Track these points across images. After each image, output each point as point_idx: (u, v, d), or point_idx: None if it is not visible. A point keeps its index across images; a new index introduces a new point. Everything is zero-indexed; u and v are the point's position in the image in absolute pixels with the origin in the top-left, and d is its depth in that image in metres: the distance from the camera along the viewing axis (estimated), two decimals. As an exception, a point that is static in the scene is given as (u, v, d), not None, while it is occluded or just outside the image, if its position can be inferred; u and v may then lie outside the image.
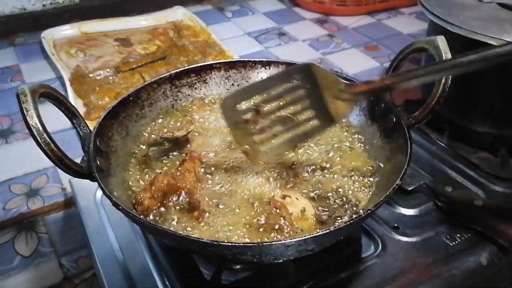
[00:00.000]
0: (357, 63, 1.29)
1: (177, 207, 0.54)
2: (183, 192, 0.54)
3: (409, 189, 0.71)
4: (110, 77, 1.13)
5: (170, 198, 0.54)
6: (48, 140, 0.47)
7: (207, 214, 0.53)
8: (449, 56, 0.56)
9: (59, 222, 0.82)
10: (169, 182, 0.53)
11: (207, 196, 0.57)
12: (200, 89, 0.75)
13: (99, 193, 0.72)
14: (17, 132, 1.02)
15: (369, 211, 0.48)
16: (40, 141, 0.47)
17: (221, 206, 0.55)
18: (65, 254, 0.76)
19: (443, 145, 0.81)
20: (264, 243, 0.45)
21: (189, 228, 0.52)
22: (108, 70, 1.16)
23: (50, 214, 0.83)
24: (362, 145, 0.66)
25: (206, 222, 0.53)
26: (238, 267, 0.59)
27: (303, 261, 0.54)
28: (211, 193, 0.57)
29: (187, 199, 0.54)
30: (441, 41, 0.58)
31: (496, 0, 0.80)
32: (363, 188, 0.59)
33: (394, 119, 0.62)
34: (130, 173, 0.61)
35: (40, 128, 0.47)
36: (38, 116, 0.47)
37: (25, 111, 0.47)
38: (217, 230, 0.52)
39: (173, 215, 0.53)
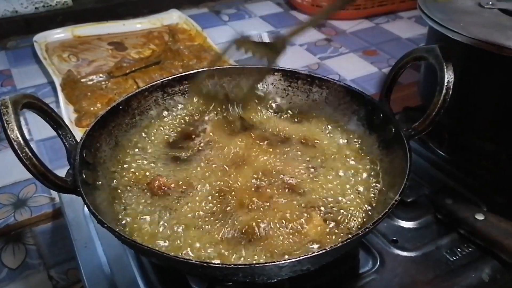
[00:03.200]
0: (355, 68, 1.27)
1: None
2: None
3: (408, 200, 0.69)
4: (103, 82, 1.11)
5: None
6: (30, 154, 0.45)
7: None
8: (450, 65, 0.54)
9: (47, 233, 0.79)
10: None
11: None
12: (193, 97, 0.73)
13: (88, 205, 0.70)
14: (5, 140, 0.99)
15: (367, 229, 0.46)
16: (21, 155, 0.45)
17: None
18: (54, 265, 0.74)
19: (443, 154, 0.79)
20: (257, 265, 0.42)
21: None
22: (101, 75, 1.14)
23: (38, 225, 0.80)
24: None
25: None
26: (230, 284, 0.56)
27: (299, 278, 0.52)
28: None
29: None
30: (441, 49, 0.56)
31: (497, 6, 0.78)
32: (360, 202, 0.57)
33: (393, 129, 0.60)
34: (118, 186, 0.58)
35: (22, 141, 0.45)
36: (20, 129, 0.45)
37: (5, 124, 0.45)
38: None
39: None
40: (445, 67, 0.54)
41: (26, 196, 0.86)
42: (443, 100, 0.54)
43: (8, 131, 0.44)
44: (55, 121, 0.53)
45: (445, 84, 0.54)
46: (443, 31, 0.73)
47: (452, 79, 0.54)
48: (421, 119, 0.57)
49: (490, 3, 0.79)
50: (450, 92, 0.54)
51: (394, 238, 0.65)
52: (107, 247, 0.64)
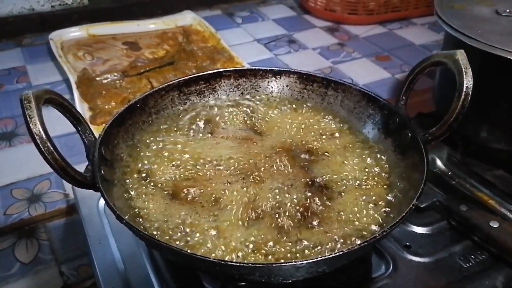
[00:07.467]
0: (368, 73, 1.27)
1: None
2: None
3: (422, 206, 0.69)
4: (117, 81, 1.12)
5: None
6: (52, 148, 0.45)
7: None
8: (469, 71, 0.54)
9: (60, 229, 0.80)
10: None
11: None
12: (209, 97, 0.73)
13: (102, 201, 0.70)
14: (21, 135, 1.01)
15: (384, 233, 0.45)
16: (43, 149, 0.45)
17: None
18: (66, 261, 0.75)
19: (457, 161, 0.79)
20: (274, 264, 0.42)
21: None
22: (116, 74, 1.15)
23: (52, 221, 0.81)
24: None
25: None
26: (243, 284, 0.56)
27: (311, 281, 0.52)
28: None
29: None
30: (461, 55, 0.55)
31: (515, 14, 0.78)
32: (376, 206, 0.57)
33: (410, 134, 0.60)
34: (134, 183, 0.59)
35: (44, 136, 0.45)
36: (42, 123, 0.45)
37: (28, 118, 0.45)
38: None
39: None
40: (464, 72, 0.53)
41: (41, 192, 0.87)
42: (461, 106, 0.54)
43: (30, 125, 0.45)
44: (75, 117, 0.54)
45: (464, 90, 0.53)
46: (460, 38, 0.73)
47: (471, 85, 0.53)
48: (439, 125, 0.56)
49: (508, 10, 0.79)
50: (469, 98, 0.54)
51: (407, 244, 0.65)
52: (121, 243, 0.65)
